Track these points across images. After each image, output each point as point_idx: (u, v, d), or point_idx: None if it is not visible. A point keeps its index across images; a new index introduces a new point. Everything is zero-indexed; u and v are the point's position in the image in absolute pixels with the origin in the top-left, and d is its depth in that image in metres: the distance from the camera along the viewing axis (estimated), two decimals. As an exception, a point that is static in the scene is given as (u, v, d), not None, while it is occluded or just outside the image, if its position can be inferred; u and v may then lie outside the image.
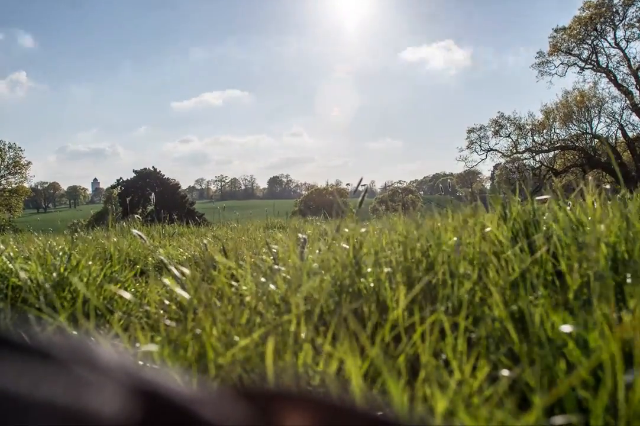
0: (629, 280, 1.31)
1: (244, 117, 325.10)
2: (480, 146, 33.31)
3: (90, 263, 2.65)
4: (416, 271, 1.64)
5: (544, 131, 32.19)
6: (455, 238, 1.69)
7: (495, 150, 33.14)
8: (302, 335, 1.14)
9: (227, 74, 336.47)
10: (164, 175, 51.89)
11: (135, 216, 6.02)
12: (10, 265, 2.51)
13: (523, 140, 32.65)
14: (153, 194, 8.72)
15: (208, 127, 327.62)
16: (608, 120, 31.12)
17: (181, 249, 4.24)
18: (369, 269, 1.63)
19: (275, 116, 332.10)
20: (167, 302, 1.66)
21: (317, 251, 1.87)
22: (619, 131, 30.64)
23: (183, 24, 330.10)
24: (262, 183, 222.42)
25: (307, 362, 1.08)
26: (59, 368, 0.26)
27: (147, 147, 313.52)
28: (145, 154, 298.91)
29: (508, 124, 32.77)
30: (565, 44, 31.24)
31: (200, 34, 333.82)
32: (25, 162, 43.22)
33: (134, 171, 51.94)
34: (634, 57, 30.05)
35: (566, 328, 1.05)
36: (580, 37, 30.72)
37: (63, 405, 0.23)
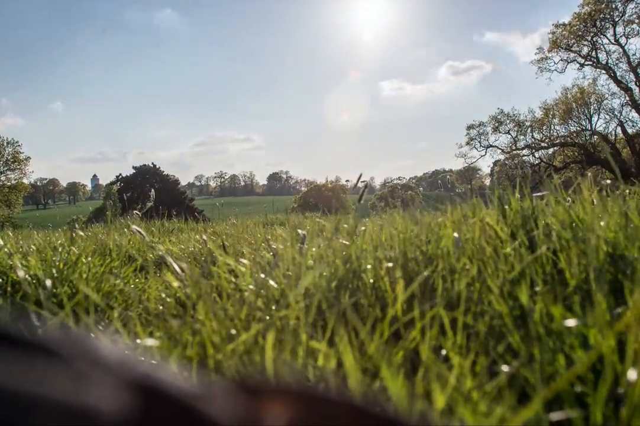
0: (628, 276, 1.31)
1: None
2: (479, 142, 33.34)
3: (89, 258, 2.65)
4: (415, 267, 1.64)
5: (544, 128, 32.19)
6: (455, 234, 1.69)
7: (495, 146, 33.17)
8: (301, 330, 1.14)
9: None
10: (163, 171, 51.83)
11: (135, 212, 6.01)
12: (9, 261, 2.51)
13: (522, 136, 32.67)
14: (153, 190, 8.71)
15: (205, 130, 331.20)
16: (607, 117, 31.16)
17: (181, 246, 4.24)
18: (369, 265, 1.63)
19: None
20: (166, 298, 1.66)
21: (317, 247, 1.87)
22: (619, 128, 30.64)
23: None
24: (262, 179, 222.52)
25: (306, 357, 1.09)
26: (58, 363, 0.26)
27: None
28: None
29: (507, 121, 32.78)
30: (564, 41, 31.18)
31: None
32: (24, 157, 43.12)
33: (134, 168, 51.87)
34: (634, 54, 30.01)
35: (570, 323, 1.05)
36: (580, 33, 30.65)
37: (63, 400, 0.23)
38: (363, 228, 1.96)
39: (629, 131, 30.27)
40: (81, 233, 4.03)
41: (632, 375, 0.77)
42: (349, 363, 0.79)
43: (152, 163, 51.91)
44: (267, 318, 1.29)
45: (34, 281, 2.32)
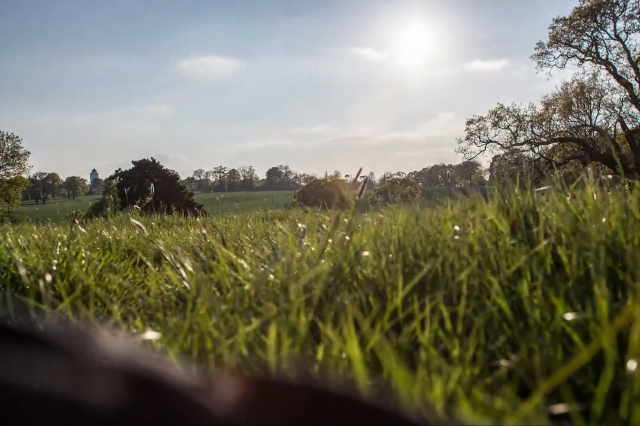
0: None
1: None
2: (479, 137, 33.27)
3: (89, 253, 2.65)
4: (415, 261, 1.64)
5: (543, 123, 32.14)
6: (456, 228, 1.68)
7: (495, 142, 33.09)
8: (302, 323, 1.14)
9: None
10: (162, 166, 51.69)
11: (134, 206, 6.02)
12: (8, 255, 2.50)
13: (522, 132, 32.61)
14: (152, 184, 8.71)
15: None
16: (607, 112, 31.13)
17: (181, 240, 4.24)
18: (368, 260, 1.63)
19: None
20: (166, 292, 1.66)
21: (317, 241, 1.87)
22: (618, 123, 30.61)
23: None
24: (261, 174, 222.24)
25: (306, 350, 1.09)
26: (58, 356, 0.25)
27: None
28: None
29: (507, 116, 32.72)
30: (565, 36, 31.12)
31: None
32: (24, 152, 43.11)
33: (133, 162, 51.71)
34: (634, 49, 29.96)
35: (569, 316, 1.05)
36: (580, 28, 30.58)
37: (63, 394, 0.23)
38: (363, 222, 1.96)
39: (629, 126, 30.26)
40: (81, 228, 4.03)
41: (631, 366, 0.77)
42: (352, 351, 0.79)
43: (152, 158, 51.78)
44: (267, 312, 1.29)
45: (34, 275, 2.32)
